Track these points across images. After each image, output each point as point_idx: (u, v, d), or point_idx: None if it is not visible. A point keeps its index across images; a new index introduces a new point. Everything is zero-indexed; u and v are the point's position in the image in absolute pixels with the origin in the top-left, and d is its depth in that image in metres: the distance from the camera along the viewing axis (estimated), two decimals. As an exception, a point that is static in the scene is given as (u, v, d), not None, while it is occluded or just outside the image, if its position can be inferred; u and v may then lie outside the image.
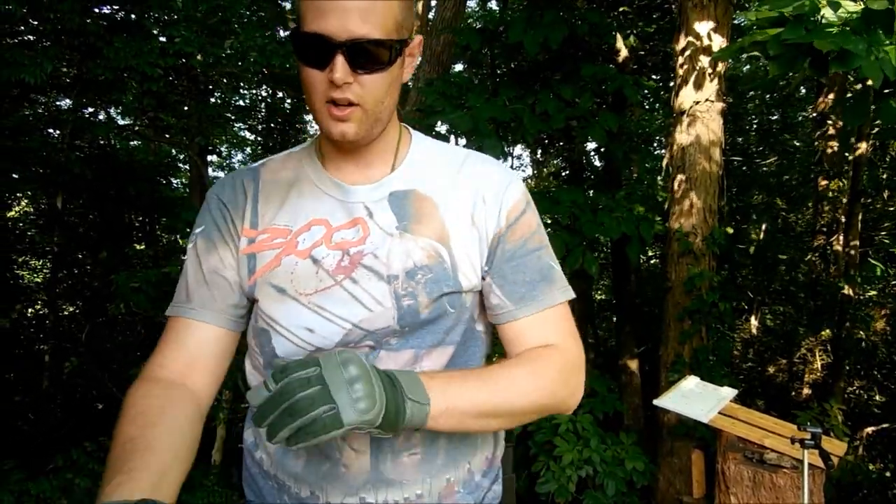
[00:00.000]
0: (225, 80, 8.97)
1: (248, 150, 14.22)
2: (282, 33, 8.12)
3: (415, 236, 1.02)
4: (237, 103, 10.66)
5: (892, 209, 8.18)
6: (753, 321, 10.11)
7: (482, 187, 1.06)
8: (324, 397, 0.76)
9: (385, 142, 1.06)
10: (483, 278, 1.05)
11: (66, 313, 10.56)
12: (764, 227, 10.45)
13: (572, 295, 1.07)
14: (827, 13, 2.09)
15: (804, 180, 9.23)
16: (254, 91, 11.38)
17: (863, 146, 6.70)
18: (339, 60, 0.90)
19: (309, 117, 12.21)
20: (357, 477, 1.00)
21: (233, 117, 10.23)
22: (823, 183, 8.27)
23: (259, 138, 12.65)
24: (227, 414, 6.65)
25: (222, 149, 13.06)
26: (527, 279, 1.04)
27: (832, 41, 1.88)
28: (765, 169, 10.04)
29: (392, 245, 1.01)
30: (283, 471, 1.04)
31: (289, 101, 11.18)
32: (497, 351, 1.14)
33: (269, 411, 0.77)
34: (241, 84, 9.98)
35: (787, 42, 2.07)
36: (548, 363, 1.01)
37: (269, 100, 11.17)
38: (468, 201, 1.05)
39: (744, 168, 10.02)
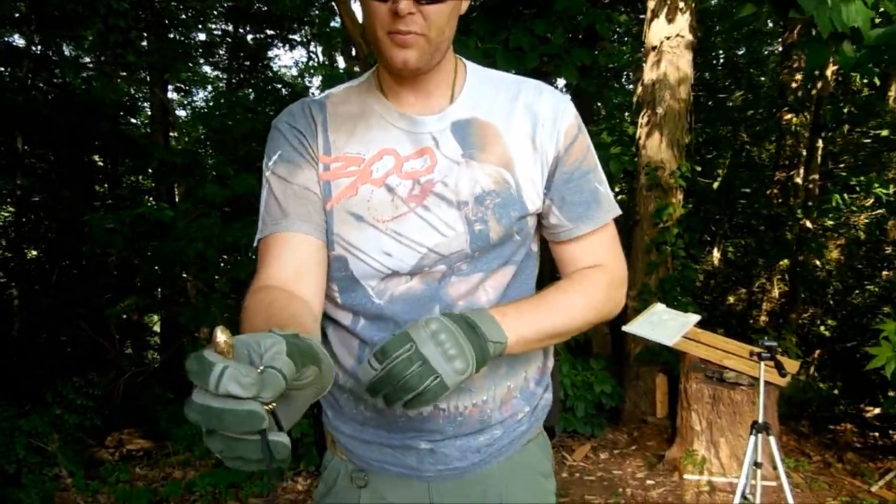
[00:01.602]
0: (188, 15, 8.73)
1: (210, 87, 13.94)
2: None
3: (480, 163, 1.07)
4: (199, 39, 10.38)
5: (852, 144, 8.42)
6: (716, 253, 10.44)
7: (539, 111, 1.09)
8: (428, 371, 0.85)
9: (443, 72, 1.08)
10: (546, 196, 1.12)
11: (30, 256, 10.43)
12: (729, 161, 10.67)
13: (619, 211, 1.17)
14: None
15: (769, 115, 9.39)
16: (215, 26, 11.06)
17: (823, 82, 6.86)
18: None
19: (279, 63, 11.93)
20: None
21: (197, 54, 9.95)
22: (788, 117, 8.46)
23: (221, 75, 12.36)
24: (206, 350, 6.77)
25: (182, 85, 12.66)
26: (583, 199, 1.11)
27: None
28: (731, 103, 10.17)
29: (459, 172, 1.06)
30: (358, 385, 1.10)
31: (251, 37, 10.86)
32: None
33: (383, 388, 0.86)
34: (203, 19, 9.69)
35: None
36: (598, 284, 1.11)
37: (231, 37, 10.84)
38: (527, 126, 1.09)
39: (710, 102, 10.14)
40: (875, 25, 2.63)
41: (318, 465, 1.25)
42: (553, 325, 1.04)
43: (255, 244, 1.09)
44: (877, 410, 5.90)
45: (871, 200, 6.79)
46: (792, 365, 4.16)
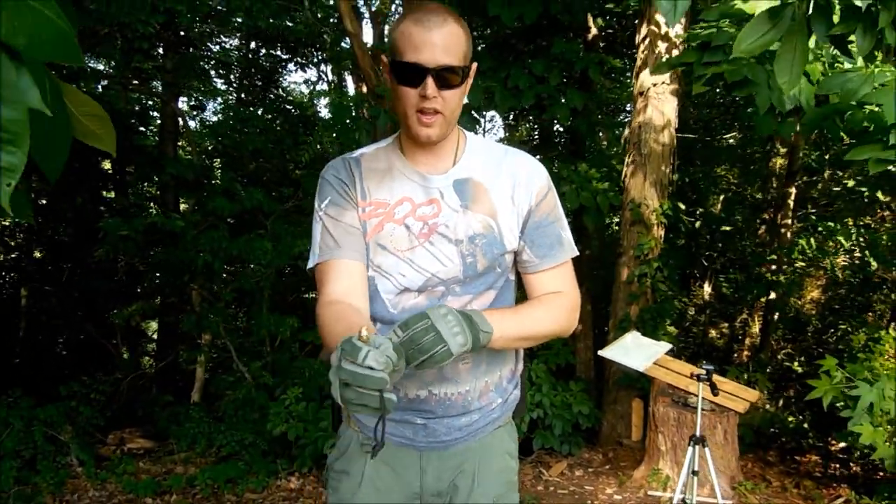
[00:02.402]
0: (205, 32, 9.11)
1: (220, 99, 14.35)
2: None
3: (473, 212, 1.43)
4: (217, 57, 10.78)
5: (826, 190, 8.82)
6: (707, 287, 10.80)
7: (517, 175, 1.46)
8: (439, 340, 1.16)
9: (450, 141, 1.45)
10: (518, 241, 1.48)
11: (37, 256, 10.74)
12: (722, 197, 11.06)
13: (576, 253, 1.55)
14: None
15: (763, 155, 9.77)
16: (230, 43, 11.46)
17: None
18: (430, 81, 1.29)
19: (290, 78, 12.33)
20: (428, 376, 1.43)
21: (209, 66, 10.32)
22: (777, 160, 8.87)
23: (231, 89, 12.76)
24: (208, 357, 7.07)
25: (194, 96, 13.01)
26: (548, 242, 1.47)
27: (738, 72, 2.36)
28: (732, 142, 10.54)
29: (458, 219, 1.41)
30: None
31: (267, 59, 11.25)
32: (520, 294, 1.61)
33: (405, 349, 1.15)
34: (223, 40, 10.09)
35: (707, 64, 2.55)
36: (559, 306, 1.47)
37: (250, 55, 11.23)
38: (508, 186, 1.45)
39: (706, 140, 10.51)
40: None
41: (331, 443, 1.58)
42: (525, 330, 1.40)
43: (308, 267, 1.44)
44: (842, 444, 6.21)
45: (848, 244, 7.17)
46: (752, 395, 4.50)
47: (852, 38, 1.80)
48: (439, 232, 1.42)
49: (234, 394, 5.77)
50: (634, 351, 4.46)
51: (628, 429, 5.96)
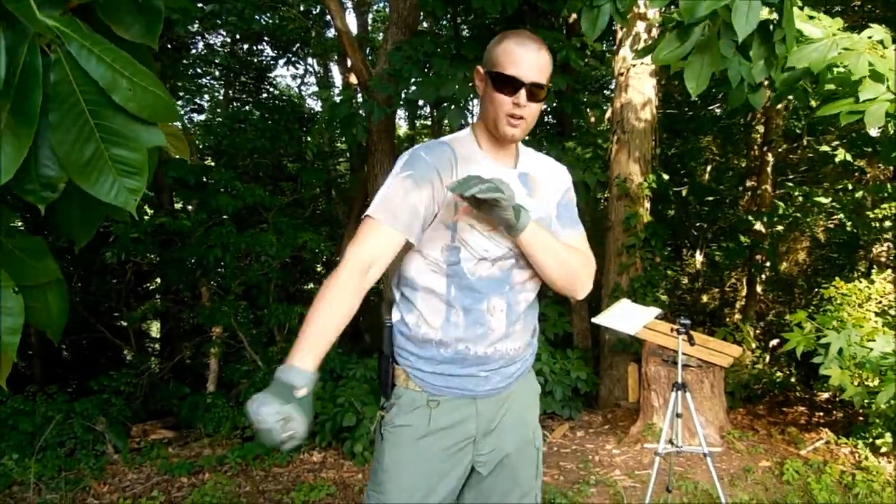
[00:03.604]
0: (198, 34, 9.29)
1: (207, 97, 14.55)
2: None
3: (534, 199, 1.77)
4: (205, 57, 10.96)
5: (802, 157, 9.16)
6: (698, 256, 11.16)
7: (554, 174, 1.86)
8: (499, 187, 1.51)
9: (513, 143, 1.78)
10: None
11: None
12: (709, 168, 11.38)
13: (584, 231, 1.89)
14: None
15: (746, 125, 10.06)
16: (218, 41, 11.67)
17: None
18: (523, 93, 1.61)
19: (275, 73, 12.48)
20: (496, 336, 1.72)
21: (196, 64, 10.49)
22: (761, 129, 9.17)
23: (221, 86, 12.94)
24: (220, 349, 7.37)
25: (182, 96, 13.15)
26: (569, 216, 1.86)
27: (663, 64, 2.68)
28: (718, 112, 10.83)
29: (527, 204, 1.71)
30: (448, 335, 1.70)
31: (256, 57, 11.43)
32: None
33: (475, 182, 1.48)
34: (211, 40, 10.27)
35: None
36: (581, 254, 1.81)
37: (239, 53, 11.42)
38: (550, 182, 1.84)
39: (691, 112, 10.79)
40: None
41: (386, 398, 1.82)
42: (552, 250, 1.72)
43: (362, 217, 1.65)
44: (825, 395, 6.58)
45: (826, 206, 7.50)
46: (734, 350, 4.85)
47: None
48: None
49: (250, 380, 6.08)
50: (626, 317, 4.76)
51: (625, 391, 6.31)
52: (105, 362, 10.00)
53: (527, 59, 1.62)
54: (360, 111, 5.98)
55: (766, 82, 3.59)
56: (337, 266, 1.60)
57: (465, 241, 1.70)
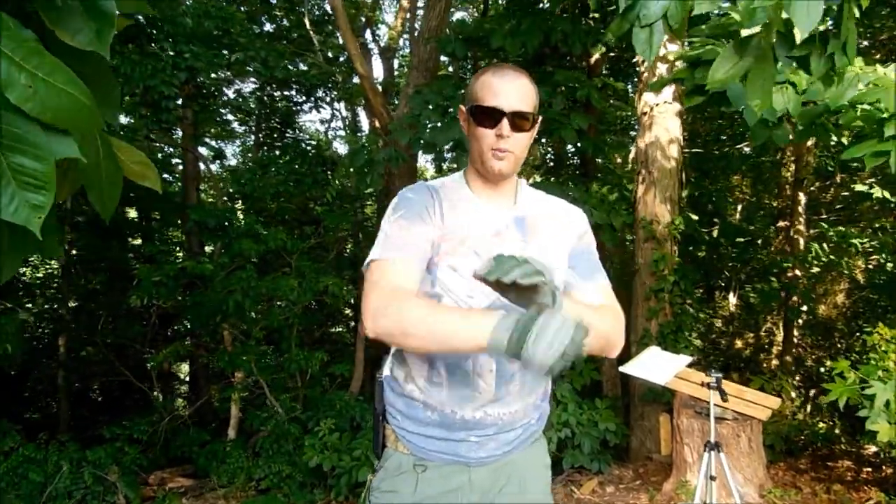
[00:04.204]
0: (225, 83, 9.46)
1: (238, 142, 14.82)
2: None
3: (530, 245, 1.60)
4: (234, 104, 11.16)
5: (835, 196, 8.87)
6: (732, 299, 10.82)
7: (563, 218, 1.69)
8: (537, 268, 1.23)
9: (510, 183, 1.65)
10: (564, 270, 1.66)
11: (72, 305, 11.09)
12: (740, 207, 11.13)
13: (608, 282, 1.68)
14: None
15: (776, 164, 9.83)
16: (246, 88, 11.90)
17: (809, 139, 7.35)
18: (505, 123, 1.49)
19: (305, 118, 12.69)
20: (484, 398, 1.56)
21: (231, 118, 10.68)
22: (791, 167, 8.95)
23: (249, 132, 13.16)
24: (240, 393, 7.27)
25: (213, 142, 13.37)
26: (588, 267, 1.66)
27: (721, 85, 2.52)
28: (747, 151, 10.61)
29: (519, 250, 1.56)
30: (431, 397, 1.57)
31: (282, 103, 11.61)
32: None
33: (513, 265, 1.24)
34: (239, 86, 10.44)
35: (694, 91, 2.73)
36: (608, 313, 1.58)
37: (265, 99, 11.61)
38: (556, 227, 1.66)
39: (719, 151, 10.60)
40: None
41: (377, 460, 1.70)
42: (599, 325, 1.49)
43: (366, 263, 1.54)
44: (873, 448, 6.20)
45: (863, 247, 7.20)
46: (773, 402, 4.57)
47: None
48: None
49: (269, 428, 5.94)
50: (655, 365, 4.55)
51: (657, 444, 6.02)
52: (131, 405, 9.98)
53: (505, 88, 1.51)
54: (379, 157, 5.93)
55: (786, 118, 3.45)
56: (362, 324, 1.51)
57: (447, 287, 1.55)
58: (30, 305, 10.51)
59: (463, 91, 6.65)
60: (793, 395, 6.42)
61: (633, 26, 2.04)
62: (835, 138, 4.16)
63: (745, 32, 2.17)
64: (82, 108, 1.05)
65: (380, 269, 1.49)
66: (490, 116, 1.51)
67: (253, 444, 6.18)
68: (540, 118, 1.59)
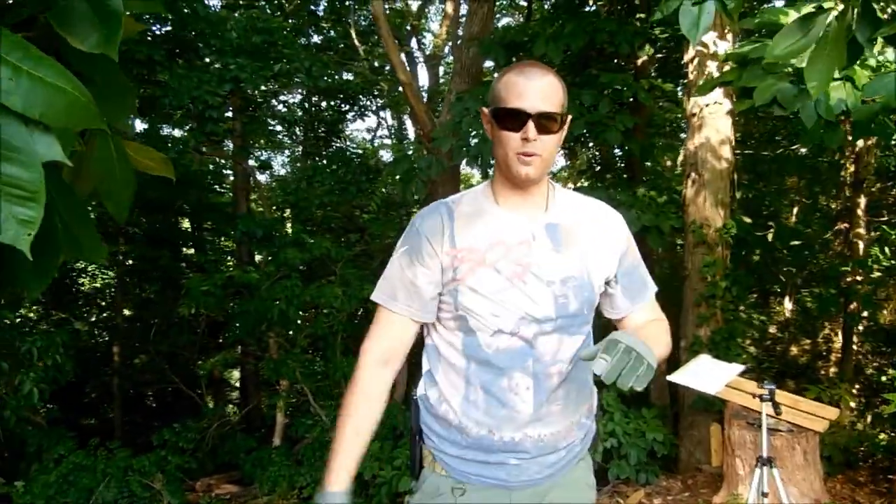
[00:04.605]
0: (271, 95, 9.62)
1: (287, 152, 15.05)
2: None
3: (564, 256, 1.49)
4: (281, 115, 11.35)
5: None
6: (787, 304, 10.44)
7: (604, 224, 1.57)
8: (641, 359, 1.25)
9: (541, 188, 1.53)
10: (608, 284, 1.58)
11: (127, 314, 11.42)
12: (796, 210, 10.73)
13: (655, 288, 1.66)
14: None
15: (834, 164, 9.44)
16: (292, 99, 12.09)
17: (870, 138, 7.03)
18: (531, 125, 1.38)
19: (351, 127, 12.84)
20: (522, 418, 1.48)
21: (279, 129, 10.84)
22: (850, 168, 8.57)
23: (296, 143, 13.35)
24: (286, 401, 7.34)
25: (262, 153, 13.60)
26: (637, 287, 1.59)
27: (768, 89, 2.40)
28: (803, 151, 10.22)
29: (551, 260, 1.48)
30: (466, 417, 1.50)
31: (328, 112, 11.75)
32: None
33: (619, 370, 1.25)
34: (286, 98, 10.60)
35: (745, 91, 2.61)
36: (661, 327, 1.60)
37: (311, 109, 11.77)
38: (596, 233, 1.55)
39: (773, 152, 10.24)
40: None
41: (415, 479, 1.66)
42: (652, 348, 1.45)
43: (371, 297, 1.58)
44: (942, 462, 5.85)
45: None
46: (831, 412, 4.35)
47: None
48: (532, 272, 1.47)
49: (313, 435, 5.97)
50: (705, 374, 4.37)
51: (707, 454, 5.81)
52: (182, 411, 10.19)
53: (531, 87, 1.40)
54: (420, 165, 5.91)
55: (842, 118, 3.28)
56: (357, 363, 1.55)
57: (469, 310, 1.48)
58: (87, 316, 10.85)
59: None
60: (852, 404, 6.12)
61: (682, 3, 1.91)
62: (896, 137, 3.96)
63: (805, 9, 2.01)
64: (75, 102, 0.94)
65: (377, 316, 1.56)
66: (514, 119, 1.41)
67: (297, 451, 6.21)
68: (570, 117, 1.49)
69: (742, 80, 2.67)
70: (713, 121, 5.81)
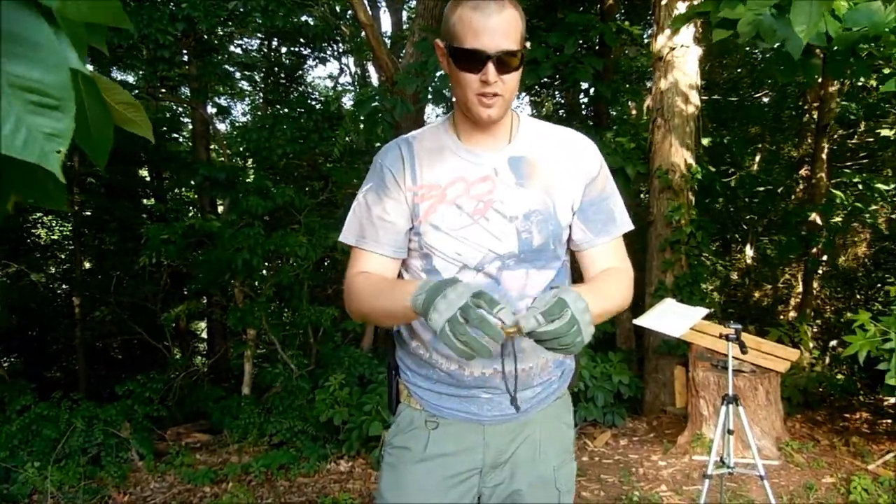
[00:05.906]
0: (228, 39, 9.24)
1: (248, 100, 14.59)
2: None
3: (528, 189, 1.43)
4: (239, 60, 10.94)
5: (859, 143, 8.58)
6: (748, 251, 10.63)
7: (571, 153, 1.48)
8: (578, 332, 1.18)
9: (505, 120, 1.45)
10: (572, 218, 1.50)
11: (86, 267, 11.13)
12: (758, 157, 10.84)
13: (630, 227, 1.54)
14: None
15: (798, 111, 9.51)
16: (251, 44, 11.66)
17: (834, 83, 7.08)
18: (491, 67, 1.29)
19: (313, 74, 12.48)
20: (493, 354, 1.39)
21: (237, 74, 10.48)
22: (815, 114, 8.65)
23: (257, 89, 12.94)
24: (254, 350, 7.27)
25: (221, 100, 13.18)
26: (601, 219, 1.49)
27: (750, 20, 2.34)
28: (765, 100, 10.27)
29: (513, 195, 1.43)
30: (436, 352, 1.48)
31: (288, 58, 11.38)
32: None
33: (544, 338, 1.19)
34: (244, 42, 10.21)
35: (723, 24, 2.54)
36: (622, 280, 1.50)
37: (271, 55, 11.39)
38: (563, 163, 1.47)
39: (737, 100, 10.29)
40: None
41: (391, 416, 1.64)
42: (603, 308, 1.42)
43: (338, 239, 1.54)
44: (892, 399, 6.10)
45: (889, 195, 6.98)
46: (792, 353, 4.47)
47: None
48: (494, 208, 1.43)
49: (280, 384, 5.94)
50: (670, 317, 4.42)
51: (672, 397, 5.95)
52: (149, 363, 10.06)
53: (489, 25, 1.30)
54: (385, 105, 5.75)
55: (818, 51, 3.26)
56: (346, 292, 1.51)
57: (432, 248, 1.45)
58: (46, 269, 10.54)
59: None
60: (811, 346, 6.30)
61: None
62: (862, 79, 3.94)
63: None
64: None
65: (351, 259, 1.52)
66: (472, 60, 1.31)
67: (266, 399, 6.19)
68: (528, 45, 1.40)
69: (719, 11, 2.59)
70: (681, 64, 5.76)
